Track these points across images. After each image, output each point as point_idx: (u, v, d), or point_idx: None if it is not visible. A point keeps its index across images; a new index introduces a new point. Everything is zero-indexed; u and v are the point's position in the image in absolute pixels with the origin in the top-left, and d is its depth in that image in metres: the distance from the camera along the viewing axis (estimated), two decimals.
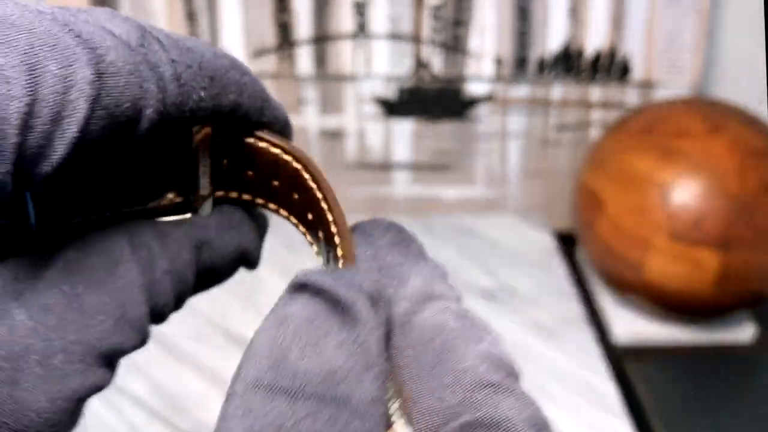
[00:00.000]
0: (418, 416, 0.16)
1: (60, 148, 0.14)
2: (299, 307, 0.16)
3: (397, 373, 0.17)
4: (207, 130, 0.20)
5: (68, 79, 0.14)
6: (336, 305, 0.16)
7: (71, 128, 0.14)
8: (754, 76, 0.79)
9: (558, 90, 0.85)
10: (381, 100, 0.85)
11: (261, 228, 0.22)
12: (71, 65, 0.14)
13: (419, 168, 0.87)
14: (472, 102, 0.86)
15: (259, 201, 0.22)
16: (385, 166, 0.87)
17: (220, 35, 0.82)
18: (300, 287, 0.16)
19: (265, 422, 0.14)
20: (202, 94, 0.18)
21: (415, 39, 0.83)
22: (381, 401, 0.15)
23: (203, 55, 0.18)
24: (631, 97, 0.86)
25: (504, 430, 0.15)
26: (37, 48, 0.14)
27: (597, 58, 0.84)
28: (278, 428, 0.14)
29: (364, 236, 0.19)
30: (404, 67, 0.84)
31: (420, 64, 0.84)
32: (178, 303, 0.20)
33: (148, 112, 0.16)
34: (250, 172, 0.21)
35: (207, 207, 0.21)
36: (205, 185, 0.21)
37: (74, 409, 0.16)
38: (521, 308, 0.74)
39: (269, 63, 0.83)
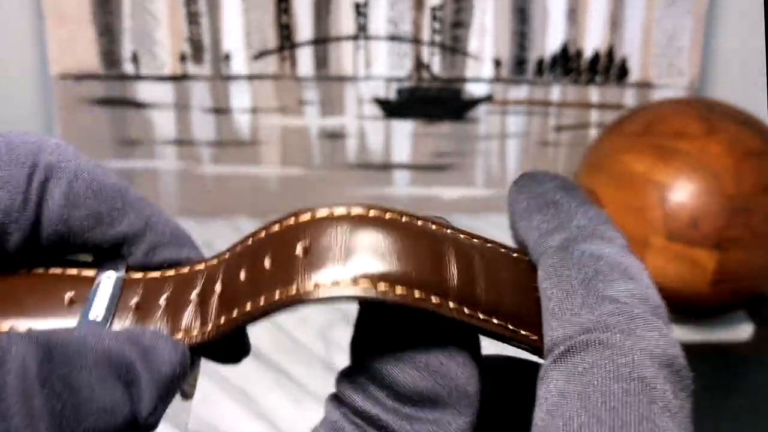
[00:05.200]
0: (553, 324, 0.17)
1: None
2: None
3: (542, 287, 0.18)
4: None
5: None
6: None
7: None
8: (752, 77, 0.80)
9: (557, 91, 0.86)
10: (381, 101, 0.85)
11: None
12: None
13: (419, 168, 0.88)
14: (471, 103, 0.86)
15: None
16: (385, 167, 0.88)
17: (221, 37, 0.82)
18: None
19: None
20: None
21: (415, 40, 0.84)
22: None
23: None
24: (629, 98, 0.86)
25: (629, 356, 0.16)
26: None
27: (595, 60, 0.85)
28: None
29: (532, 180, 0.20)
30: (404, 68, 0.85)
31: (420, 66, 0.85)
32: None
33: None
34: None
35: None
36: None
37: None
38: None
39: (270, 64, 0.84)
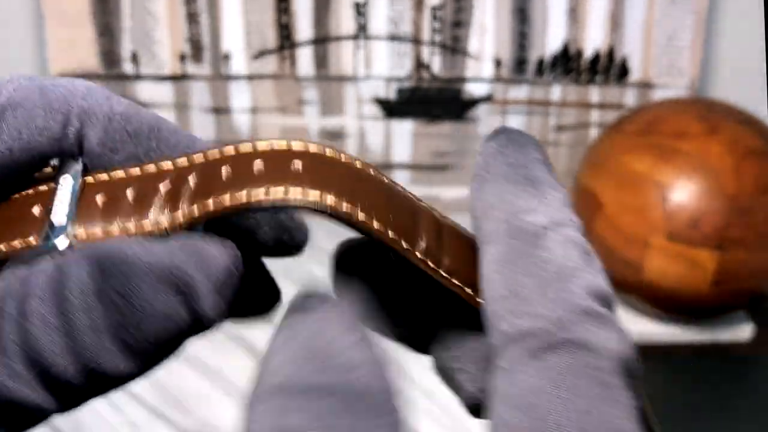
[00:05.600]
0: (520, 308, 0.17)
1: None
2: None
3: (501, 264, 0.18)
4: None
5: None
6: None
7: None
8: (752, 76, 0.80)
9: (557, 91, 0.86)
10: (381, 101, 0.85)
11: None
12: None
13: (419, 168, 0.88)
14: (471, 103, 0.86)
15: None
16: (385, 167, 0.88)
17: (221, 36, 0.82)
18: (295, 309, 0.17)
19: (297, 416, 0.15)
20: None
21: (415, 40, 0.84)
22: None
23: None
24: (629, 97, 0.86)
25: (595, 355, 0.16)
26: None
27: (596, 59, 0.85)
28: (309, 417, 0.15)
29: (515, 143, 0.19)
30: (404, 68, 0.85)
31: (420, 65, 0.85)
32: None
33: None
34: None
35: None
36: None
37: None
38: None
39: (270, 64, 0.83)
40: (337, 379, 0.15)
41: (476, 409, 0.20)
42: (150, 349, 0.17)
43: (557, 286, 0.17)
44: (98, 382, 0.17)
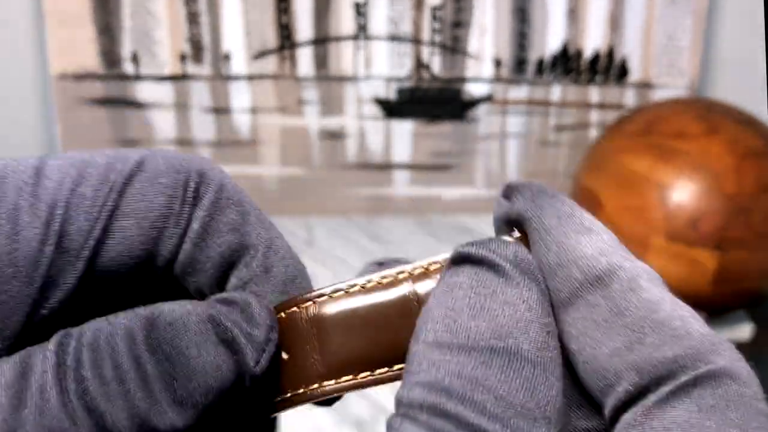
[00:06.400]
0: (623, 372, 0.16)
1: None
2: (464, 276, 0.17)
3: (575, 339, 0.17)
4: None
5: None
6: (496, 270, 0.17)
7: None
8: (752, 76, 0.80)
9: (557, 91, 0.86)
10: (381, 101, 0.85)
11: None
12: None
13: (419, 168, 0.88)
14: (471, 103, 0.86)
15: None
16: (385, 167, 0.88)
17: (221, 36, 0.82)
18: (461, 259, 0.18)
19: (447, 370, 0.16)
20: None
21: (415, 40, 0.84)
22: (549, 349, 0.16)
23: None
24: (629, 98, 0.86)
25: (752, 387, 0.15)
26: None
27: (595, 60, 0.85)
28: (458, 375, 0.15)
29: (552, 197, 0.19)
30: (404, 68, 0.85)
31: (420, 65, 0.85)
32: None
33: None
34: None
35: None
36: None
37: None
38: None
39: (270, 64, 0.84)
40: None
41: None
42: (199, 402, 0.18)
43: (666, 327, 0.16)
44: None
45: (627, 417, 0.16)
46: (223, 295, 0.19)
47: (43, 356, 0.17)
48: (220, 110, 0.84)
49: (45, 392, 0.16)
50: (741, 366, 0.16)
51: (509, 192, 0.19)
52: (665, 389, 0.16)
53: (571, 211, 0.19)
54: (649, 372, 0.16)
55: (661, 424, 0.15)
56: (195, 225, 0.20)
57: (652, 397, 0.16)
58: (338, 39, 0.83)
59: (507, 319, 0.16)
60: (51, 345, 0.17)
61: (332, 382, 0.19)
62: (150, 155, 0.20)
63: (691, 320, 0.16)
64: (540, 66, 0.85)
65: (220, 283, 0.21)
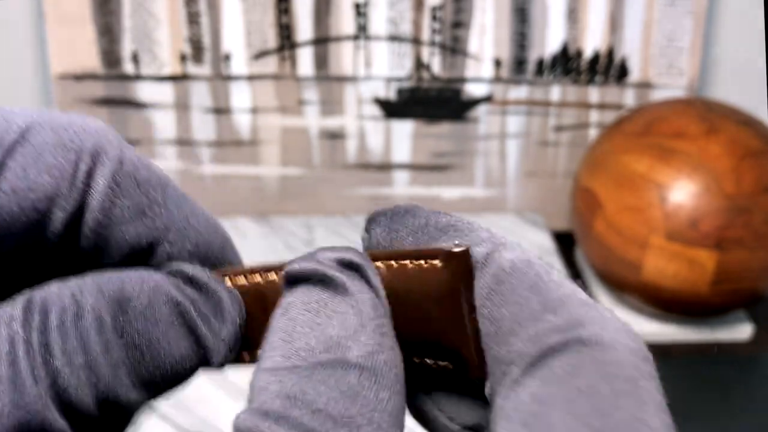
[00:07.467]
0: (524, 340, 0.16)
1: None
2: (297, 295, 0.17)
3: (484, 307, 0.17)
4: None
5: None
6: (325, 282, 0.17)
7: None
8: (752, 77, 0.80)
9: (557, 91, 0.86)
10: (381, 101, 0.86)
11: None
12: None
13: (419, 169, 0.88)
14: (471, 103, 0.86)
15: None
16: (385, 167, 0.88)
17: (221, 37, 0.82)
18: (293, 279, 0.18)
19: (269, 393, 0.16)
20: None
21: (415, 40, 0.84)
22: (383, 351, 0.16)
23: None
24: (629, 98, 0.86)
25: (612, 353, 0.15)
26: None
27: (595, 60, 0.85)
28: (278, 395, 0.16)
29: (403, 214, 0.19)
30: (404, 68, 0.85)
31: (420, 66, 0.85)
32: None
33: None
34: None
35: None
36: None
37: None
38: None
39: (270, 64, 0.84)
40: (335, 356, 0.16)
41: None
42: (163, 386, 0.18)
43: (537, 299, 0.16)
44: (111, 412, 0.17)
45: (497, 401, 0.16)
46: (191, 272, 0.19)
47: (8, 329, 0.16)
48: (221, 110, 0.84)
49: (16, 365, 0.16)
50: (611, 335, 0.15)
51: (367, 226, 0.19)
52: (518, 368, 0.15)
53: (425, 222, 0.19)
54: (519, 345, 0.16)
55: (512, 404, 0.15)
56: (91, 214, 0.18)
57: (514, 372, 0.15)
58: (338, 39, 0.83)
59: (337, 329, 0.16)
60: (16, 319, 0.17)
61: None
62: (37, 124, 0.18)
63: (567, 293, 0.16)
64: (540, 66, 0.85)
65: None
